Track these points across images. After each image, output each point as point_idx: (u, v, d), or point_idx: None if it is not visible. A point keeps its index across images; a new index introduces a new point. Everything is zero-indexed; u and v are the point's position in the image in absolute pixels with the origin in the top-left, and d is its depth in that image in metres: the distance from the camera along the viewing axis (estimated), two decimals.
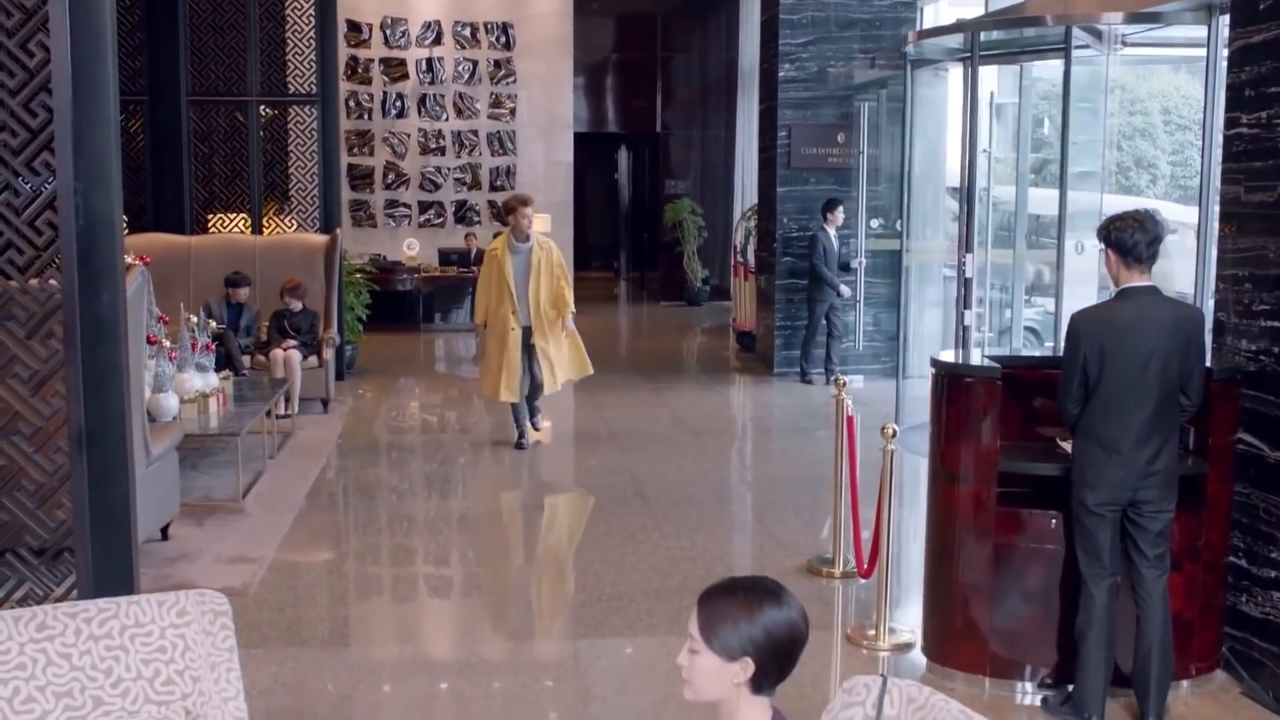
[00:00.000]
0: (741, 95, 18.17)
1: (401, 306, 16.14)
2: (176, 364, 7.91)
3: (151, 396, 7.36)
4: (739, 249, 15.54)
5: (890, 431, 5.40)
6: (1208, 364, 4.75)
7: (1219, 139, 5.85)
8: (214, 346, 8.71)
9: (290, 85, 12.54)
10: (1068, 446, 4.75)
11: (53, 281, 3.94)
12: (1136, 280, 4.44)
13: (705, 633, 2.42)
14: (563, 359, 9.21)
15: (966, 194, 8.84)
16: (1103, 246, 4.49)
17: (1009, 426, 5.06)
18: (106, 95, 3.98)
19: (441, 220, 17.52)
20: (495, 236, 9.76)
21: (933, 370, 5.12)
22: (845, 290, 12.01)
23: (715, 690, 2.44)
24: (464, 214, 17.55)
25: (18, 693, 3.15)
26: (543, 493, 8.64)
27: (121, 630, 3.27)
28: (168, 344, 7.73)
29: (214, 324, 9.49)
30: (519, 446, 9.33)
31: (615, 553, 6.82)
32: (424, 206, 17.51)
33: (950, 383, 5.00)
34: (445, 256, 16.54)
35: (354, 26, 17.02)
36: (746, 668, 2.40)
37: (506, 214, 9.06)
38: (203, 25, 12.20)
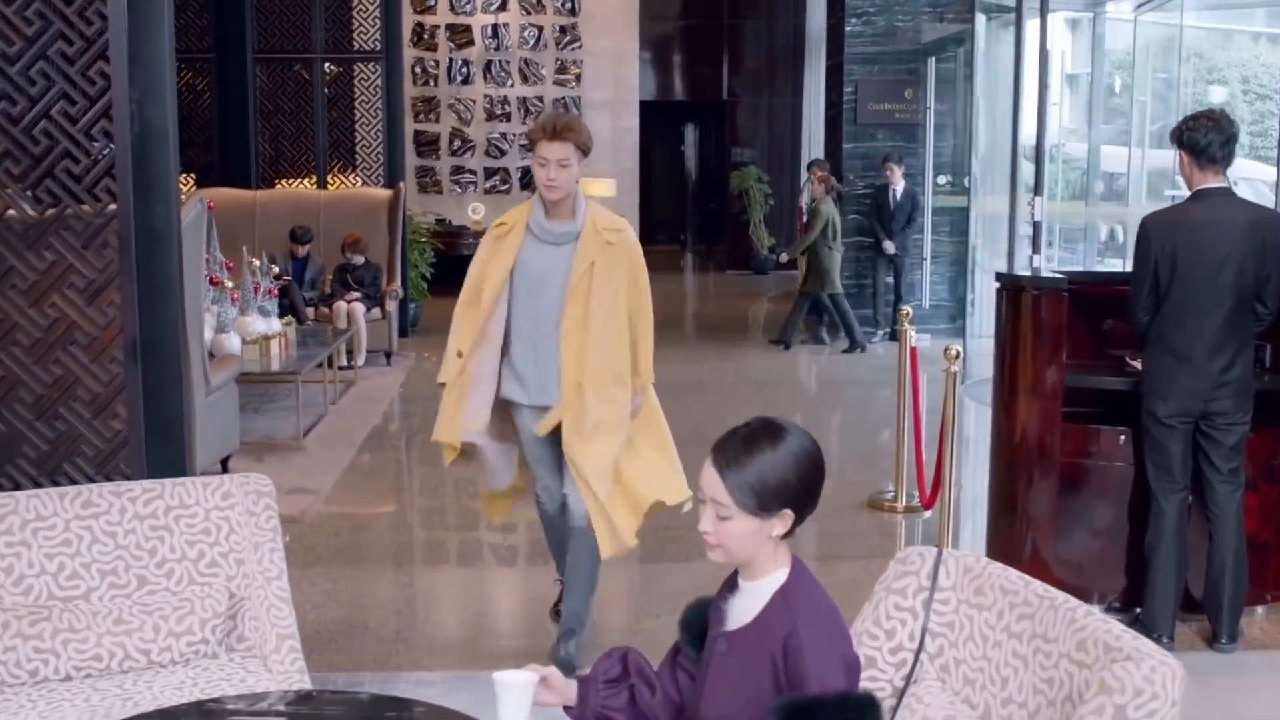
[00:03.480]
0: (809, 62, 17.91)
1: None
2: (239, 307, 7.96)
3: (215, 337, 7.40)
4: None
5: (954, 353, 5.26)
6: None
7: None
8: (275, 292, 8.75)
9: (355, 43, 12.58)
10: (1137, 365, 4.59)
11: (112, 207, 3.93)
12: (1211, 182, 4.27)
13: (738, 497, 2.26)
14: (646, 471, 4.35)
15: (1037, 139, 8.61)
16: (1176, 148, 4.33)
17: (1077, 345, 4.90)
18: (161, 2, 3.96)
19: (507, 187, 17.52)
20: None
21: (998, 284, 4.98)
22: (889, 245, 11.79)
23: (751, 549, 2.31)
24: (529, 180, 17.52)
25: (63, 568, 3.14)
26: None
27: (166, 510, 3.25)
28: (230, 284, 7.77)
29: (276, 269, 9.52)
30: (557, 613, 4.68)
31: None
32: (489, 173, 17.52)
33: (1015, 296, 4.85)
34: None
35: None
36: (786, 519, 2.29)
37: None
38: None
